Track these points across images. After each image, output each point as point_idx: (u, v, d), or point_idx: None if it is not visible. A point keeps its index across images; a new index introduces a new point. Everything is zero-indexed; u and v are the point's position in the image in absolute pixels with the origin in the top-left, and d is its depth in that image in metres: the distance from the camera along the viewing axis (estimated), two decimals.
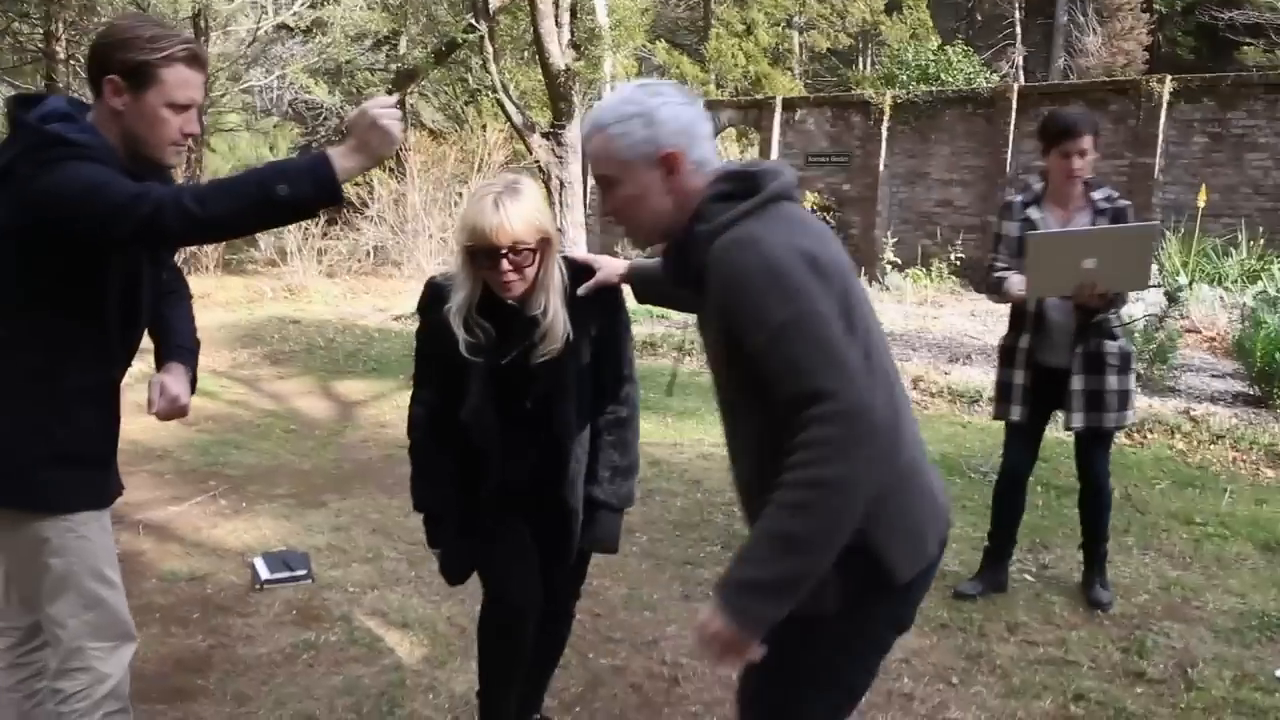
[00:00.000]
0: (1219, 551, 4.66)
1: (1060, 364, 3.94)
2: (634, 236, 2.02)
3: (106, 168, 2.13)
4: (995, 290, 4.01)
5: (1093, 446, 4.04)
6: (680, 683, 3.48)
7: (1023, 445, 4.12)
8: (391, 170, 17.48)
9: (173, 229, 2.06)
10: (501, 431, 2.61)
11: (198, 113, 2.32)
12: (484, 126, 21.53)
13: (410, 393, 2.75)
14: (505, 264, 2.43)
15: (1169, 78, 14.00)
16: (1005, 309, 4.20)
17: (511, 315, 2.53)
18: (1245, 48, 23.52)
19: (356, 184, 17.12)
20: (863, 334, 1.79)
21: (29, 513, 2.29)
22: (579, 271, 2.61)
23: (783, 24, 28.24)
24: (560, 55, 17.03)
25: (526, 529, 2.74)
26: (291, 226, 13.99)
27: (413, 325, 10.66)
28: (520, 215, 2.41)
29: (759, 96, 20.27)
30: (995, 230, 4.10)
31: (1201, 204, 12.05)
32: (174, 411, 2.45)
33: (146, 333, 2.53)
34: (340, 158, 2.08)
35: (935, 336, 10.14)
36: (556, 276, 2.55)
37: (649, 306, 2.72)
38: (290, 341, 10.22)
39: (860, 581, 1.81)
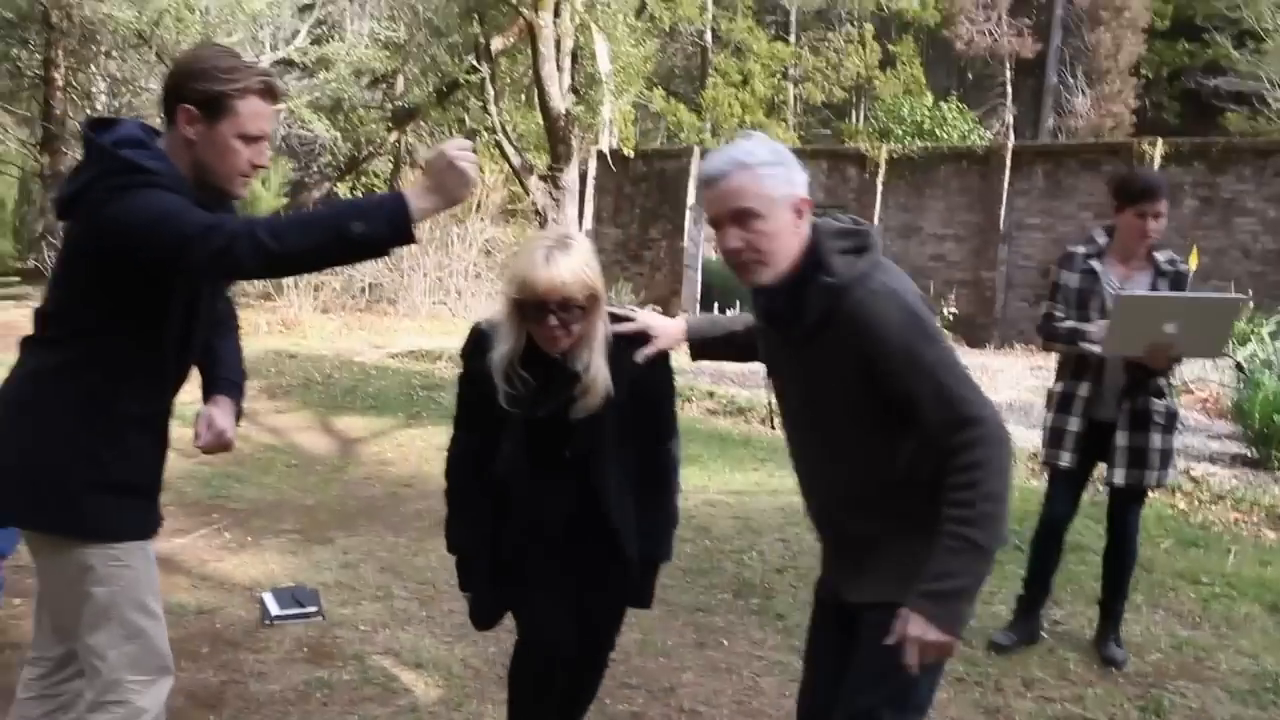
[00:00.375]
0: (1227, 611, 4.68)
1: (1109, 418, 3.95)
2: (756, 273, 2.09)
3: (178, 196, 2.13)
4: (1065, 340, 3.97)
5: (1128, 503, 4.08)
6: None
7: (1067, 494, 4.13)
8: None
9: (246, 263, 2.05)
10: (538, 481, 2.58)
11: (267, 144, 2.33)
12: (480, 168, 21.65)
13: (440, 433, 2.79)
14: (553, 319, 2.40)
15: (1160, 141, 14.26)
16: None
17: (553, 368, 2.50)
18: (1229, 114, 23.97)
19: None
20: None
21: (76, 539, 2.27)
22: (632, 340, 2.57)
23: (779, 75, 28.63)
24: (560, 99, 17.25)
25: (563, 576, 2.69)
26: None
27: (410, 364, 10.68)
28: (571, 270, 2.38)
29: None
30: (1054, 279, 4.09)
31: (1192, 266, 12.20)
32: (220, 445, 2.45)
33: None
34: (416, 199, 2.06)
35: None
36: (601, 332, 2.52)
37: None
38: (287, 375, 10.18)
39: None
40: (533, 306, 2.39)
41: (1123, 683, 3.92)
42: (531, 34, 16.80)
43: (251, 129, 2.24)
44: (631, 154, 18.49)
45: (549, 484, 2.60)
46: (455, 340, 13.17)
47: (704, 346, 2.66)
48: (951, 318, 14.62)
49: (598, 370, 2.49)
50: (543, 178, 17.81)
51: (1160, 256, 3.94)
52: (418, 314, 15.13)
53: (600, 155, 18.54)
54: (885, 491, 2.12)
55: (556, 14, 16.82)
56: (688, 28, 26.83)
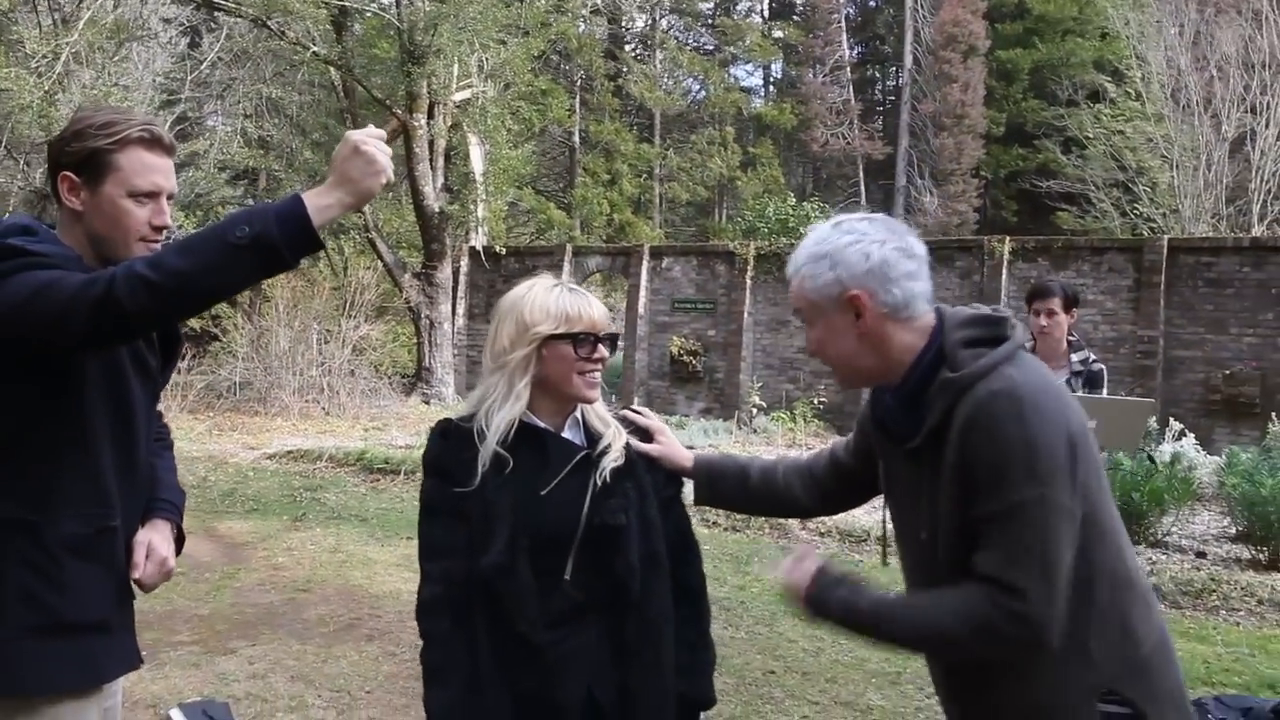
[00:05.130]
0: None
1: None
2: (842, 380, 1.96)
3: (59, 270, 1.88)
4: None
5: None
6: None
7: None
8: (251, 303, 17.20)
9: (128, 305, 1.76)
10: (552, 616, 2.02)
11: (168, 203, 2.08)
12: (345, 266, 21.52)
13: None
14: (605, 349, 2.10)
15: (1008, 238, 15.25)
16: None
17: (549, 442, 2.11)
18: (1060, 213, 25.78)
19: (217, 315, 16.74)
20: (1089, 517, 1.73)
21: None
22: (640, 431, 2.24)
23: (645, 175, 29.50)
24: (434, 198, 17.37)
25: None
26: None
27: (289, 465, 10.35)
28: (600, 304, 2.14)
29: (627, 244, 20.99)
30: None
31: None
32: (162, 577, 2.16)
33: None
34: (315, 195, 1.79)
35: None
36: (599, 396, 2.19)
37: None
38: None
39: None
40: (581, 339, 2.07)
41: None
42: (405, 134, 16.93)
43: (141, 184, 2.01)
44: (504, 251, 18.69)
45: (563, 631, 2.03)
46: (332, 439, 12.83)
47: (715, 486, 2.29)
48: (820, 406, 15.15)
49: (607, 416, 2.17)
50: (416, 275, 17.80)
51: (1075, 357, 4.41)
52: (290, 413, 14.76)
53: (473, 252, 18.66)
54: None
55: (430, 115, 17.02)
56: (557, 129, 27.49)
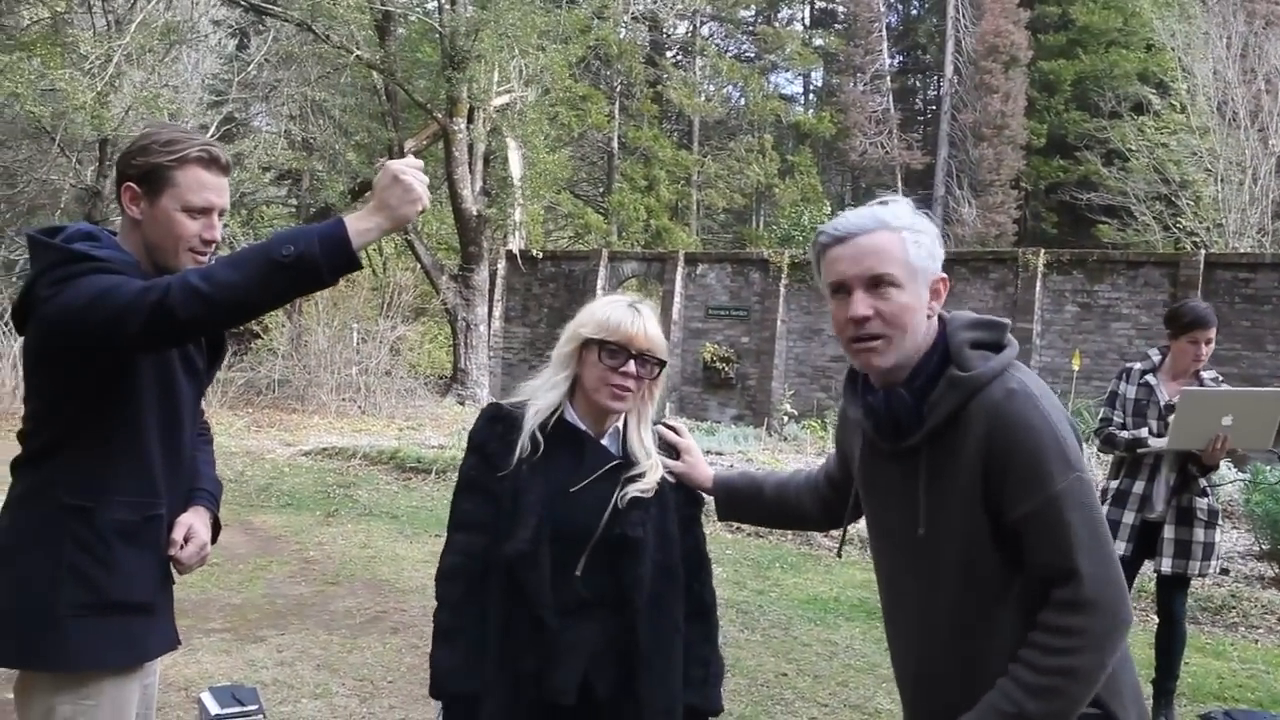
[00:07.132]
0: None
1: (1157, 518, 4.42)
2: (879, 354, 1.79)
3: (120, 276, 2.03)
4: (1126, 448, 4.45)
5: (1174, 589, 4.53)
6: None
7: None
8: (292, 302, 17.51)
9: (180, 313, 1.91)
10: (559, 605, 2.12)
11: (219, 218, 2.23)
12: (384, 267, 21.84)
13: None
14: (633, 365, 2.17)
15: (1042, 251, 15.21)
16: None
17: (586, 445, 2.22)
18: (1101, 225, 25.55)
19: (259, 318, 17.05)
20: None
21: (50, 676, 2.11)
22: (669, 447, 2.35)
23: (683, 181, 29.60)
24: (473, 201, 17.59)
25: None
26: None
27: (324, 462, 10.56)
28: (655, 328, 2.21)
29: (663, 250, 21.13)
30: (1112, 389, 4.61)
31: (1076, 367, 12.98)
32: (199, 560, 2.33)
33: None
34: (355, 219, 1.92)
35: None
36: (651, 415, 2.30)
37: None
38: None
39: None
40: (612, 350, 2.17)
41: None
42: (445, 138, 17.18)
43: (195, 200, 2.16)
44: (540, 255, 18.88)
45: (573, 620, 2.13)
46: (366, 438, 13.06)
47: (735, 502, 2.38)
48: None
49: (650, 450, 2.25)
50: (453, 277, 18.04)
51: (1206, 375, 4.49)
52: (326, 411, 15.04)
53: (510, 255, 18.87)
54: (987, 658, 1.73)
55: (470, 120, 17.26)
56: (596, 134, 27.67)
